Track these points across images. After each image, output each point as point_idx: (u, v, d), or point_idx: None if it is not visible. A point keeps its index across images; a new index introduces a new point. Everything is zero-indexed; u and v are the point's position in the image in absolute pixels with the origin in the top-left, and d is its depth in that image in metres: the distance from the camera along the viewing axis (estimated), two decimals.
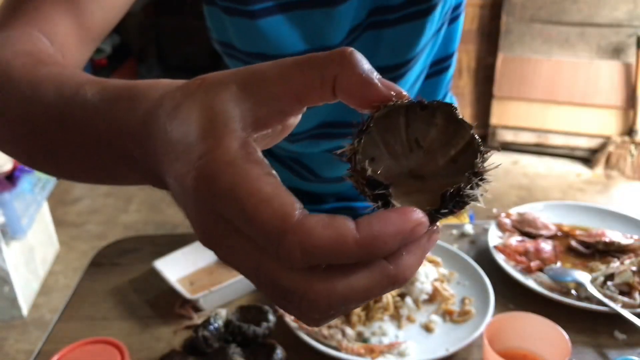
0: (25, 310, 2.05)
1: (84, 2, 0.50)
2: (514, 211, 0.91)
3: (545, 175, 2.84)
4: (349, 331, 0.69)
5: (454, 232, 0.91)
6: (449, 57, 0.79)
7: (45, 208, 2.32)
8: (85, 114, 0.32)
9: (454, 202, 0.24)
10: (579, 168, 2.85)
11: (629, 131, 3.09)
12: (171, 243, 0.89)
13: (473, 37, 3.35)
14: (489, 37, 3.32)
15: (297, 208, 0.23)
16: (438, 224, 0.25)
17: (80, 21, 0.50)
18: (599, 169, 2.83)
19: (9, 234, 1.95)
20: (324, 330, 0.68)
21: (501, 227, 0.89)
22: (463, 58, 3.41)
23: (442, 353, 0.66)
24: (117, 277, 0.83)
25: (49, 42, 0.45)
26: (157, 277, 0.79)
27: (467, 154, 0.25)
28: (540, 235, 0.86)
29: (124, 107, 0.30)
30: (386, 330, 0.71)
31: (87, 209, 2.79)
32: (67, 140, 0.35)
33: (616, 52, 3.03)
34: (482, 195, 0.25)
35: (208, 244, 0.25)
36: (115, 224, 2.65)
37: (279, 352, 0.65)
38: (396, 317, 0.73)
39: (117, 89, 0.31)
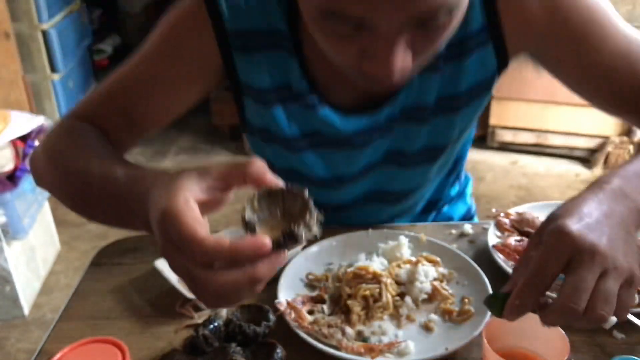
0: (26, 310, 2.05)
1: (135, 106, 0.72)
2: (513, 211, 0.92)
3: (544, 175, 2.84)
4: (349, 330, 0.69)
5: (453, 231, 0.92)
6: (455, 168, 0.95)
7: (46, 208, 2.33)
8: (115, 187, 0.55)
9: (289, 237, 0.43)
10: (578, 168, 2.85)
11: (628, 131, 3.10)
12: None
13: None
14: None
15: (203, 234, 0.41)
16: (282, 251, 0.44)
17: (131, 121, 0.72)
18: (598, 169, 2.83)
19: (10, 234, 1.95)
20: (324, 330, 0.68)
21: (500, 226, 0.89)
22: None
23: (442, 352, 0.66)
24: (118, 277, 0.84)
25: (102, 134, 0.68)
26: (158, 277, 0.79)
27: (307, 213, 0.45)
28: None
29: (137, 184, 0.52)
30: (386, 330, 0.71)
31: None
32: (101, 199, 0.58)
33: None
34: (306, 235, 0.44)
35: (164, 254, 0.45)
36: None
37: (279, 351, 0.65)
38: (396, 317, 0.73)
39: (134, 173, 0.54)
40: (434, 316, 0.73)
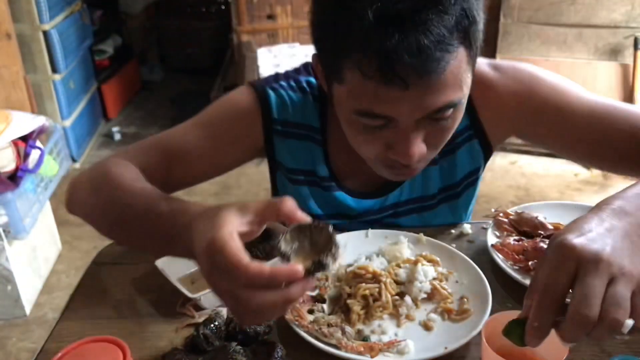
0: (27, 309, 2.06)
1: (175, 167, 0.82)
2: (512, 211, 0.92)
3: (543, 175, 2.84)
4: (349, 329, 0.70)
5: (453, 231, 0.92)
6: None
7: (47, 208, 2.33)
8: (159, 219, 0.61)
9: (318, 266, 0.51)
10: (576, 168, 2.85)
11: None
12: None
13: None
14: (487, 39, 3.30)
15: (247, 260, 0.49)
16: (312, 277, 0.51)
17: (169, 177, 0.82)
18: (597, 169, 2.82)
19: (11, 234, 1.96)
20: (324, 329, 0.68)
21: (499, 226, 0.89)
22: None
23: (441, 351, 0.66)
24: (119, 276, 0.84)
25: (142, 174, 0.76)
26: (158, 276, 0.79)
27: (332, 245, 0.53)
28: (538, 235, 0.86)
29: (180, 216, 0.58)
30: (385, 329, 0.71)
31: None
32: (144, 229, 0.64)
33: (613, 53, 3.03)
34: (332, 264, 0.52)
35: (209, 279, 0.52)
36: None
37: (279, 350, 0.65)
38: (395, 316, 0.74)
39: (177, 206, 0.61)
40: (433, 315, 0.73)
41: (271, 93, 0.86)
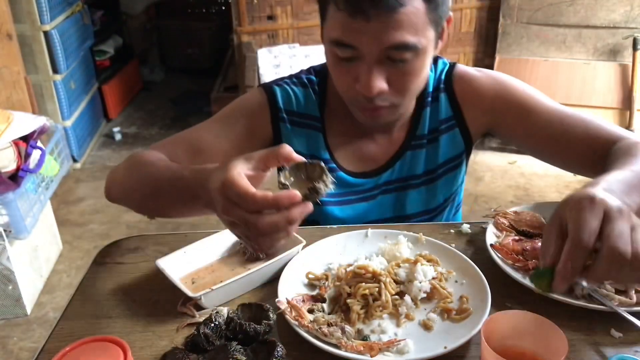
0: (28, 309, 2.06)
1: (196, 154, 0.92)
2: (511, 211, 0.92)
3: (542, 175, 2.84)
4: (349, 329, 0.70)
5: (452, 231, 0.92)
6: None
7: (48, 208, 2.33)
8: (183, 181, 0.74)
9: (313, 191, 0.62)
10: None
11: None
12: (173, 242, 0.90)
13: (471, 39, 3.35)
14: (487, 39, 3.32)
15: (255, 191, 0.60)
16: (309, 201, 0.62)
17: (190, 163, 0.87)
18: None
19: (12, 234, 1.96)
20: (324, 328, 0.69)
21: (498, 226, 0.90)
22: (461, 60, 3.42)
23: (441, 351, 0.67)
24: (120, 276, 0.84)
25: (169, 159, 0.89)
26: (159, 276, 0.80)
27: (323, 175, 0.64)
28: (537, 235, 0.86)
29: (200, 174, 0.70)
30: (385, 328, 0.71)
31: (90, 209, 2.81)
32: (171, 194, 0.77)
33: (612, 53, 3.03)
34: (325, 189, 0.62)
35: (224, 211, 0.63)
36: (118, 224, 2.67)
37: (280, 349, 0.65)
38: (395, 315, 0.74)
39: (197, 168, 0.72)
40: (433, 315, 0.74)
41: (277, 88, 0.99)
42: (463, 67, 0.99)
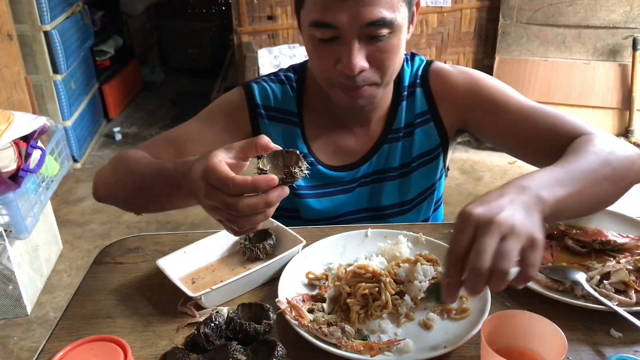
0: (29, 309, 2.06)
1: (182, 148, 0.95)
2: None
3: None
4: (349, 329, 0.70)
5: (452, 231, 0.92)
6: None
7: (49, 208, 2.34)
8: (166, 173, 0.78)
9: (289, 175, 0.65)
10: None
11: (625, 132, 3.10)
12: (173, 242, 0.90)
13: (470, 39, 3.36)
14: (486, 39, 3.33)
15: (235, 175, 0.63)
16: (286, 185, 0.65)
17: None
18: None
19: (13, 234, 1.96)
20: (324, 328, 0.69)
21: None
22: (461, 60, 3.42)
23: (440, 350, 0.67)
24: (120, 276, 0.84)
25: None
26: (159, 276, 0.80)
27: (299, 161, 0.67)
28: None
29: (182, 166, 0.73)
30: (385, 328, 0.72)
31: (91, 209, 2.81)
32: (155, 188, 0.81)
33: (612, 53, 3.03)
34: (300, 174, 0.66)
35: (206, 196, 0.65)
36: (119, 224, 2.67)
37: (280, 349, 0.66)
38: (395, 315, 0.74)
39: (179, 161, 0.76)
40: (432, 315, 0.74)
41: (254, 85, 1.02)
42: (440, 64, 1.02)
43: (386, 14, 0.81)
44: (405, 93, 1.00)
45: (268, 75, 1.04)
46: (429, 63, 1.02)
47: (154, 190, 0.81)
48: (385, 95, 0.98)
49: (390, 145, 1.01)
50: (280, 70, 1.05)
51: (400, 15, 0.83)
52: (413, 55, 1.03)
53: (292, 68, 1.05)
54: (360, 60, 0.82)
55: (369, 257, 0.83)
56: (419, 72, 1.01)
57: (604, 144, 0.78)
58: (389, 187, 1.03)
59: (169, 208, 0.87)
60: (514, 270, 0.57)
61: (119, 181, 0.89)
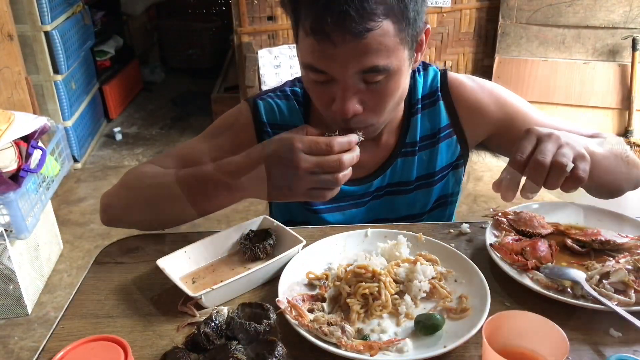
0: (29, 308, 2.06)
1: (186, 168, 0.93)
2: (511, 210, 0.92)
3: None
4: (349, 328, 0.70)
5: (452, 230, 0.92)
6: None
7: (49, 208, 2.34)
8: (206, 174, 0.84)
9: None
10: None
11: (624, 132, 3.10)
12: (174, 242, 0.90)
13: (470, 39, 3.36)
14: (486, 40, 3.33)
15: (325, 137, 0.78)
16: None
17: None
18: None
19: (13, 233, 1.96)
20: (324, 328, 0.69)
21: (498, 226, 0.90)
22: (460, 60, 3.42)
23: (440, 350, 0.67)
24: (121, 275, 0.85)
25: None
26: (159, 275, 0.80)
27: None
28: (537, 234, 0.87)
29: (228, 166, 0.83)
30: (385, 328, 0.72)
31: (91, 209, 2.81)
32: (192, 190, 0.85)
33: (612, 54, 3.03)
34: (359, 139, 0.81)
35: (299, 167, 0.75)
36: None
37: (280, 349, 0.66)
38: (395, 315, 0.74)
39: (224, 162, 0.84)
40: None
41: (260, 102, 1.01)
42: (455, 75, 1.01)
43: (380, 62, 0.76)
44: (420, 105, 0.99)
45: (274, 91, 1.03)
46: (444, 74, 1.00)
47: (191, 193, 0.83)
48: (396, 111, 0.95)
49: (405, 159, 0.99)
50: (286, 84, 1.04)
51: (396, 59, 0.78)
52: (426, 66, 1.01)
53: (298, 81, 1.03)
54: (353, 105, 0.80)
55: (369, 257, 0.83)
56: (437, 84, 0.99)
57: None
58: (403, 200, 1.02)
59: (203, 211, 0.85)
60: (569, 166, 0.72)
61: (133, 199, 0.89)
